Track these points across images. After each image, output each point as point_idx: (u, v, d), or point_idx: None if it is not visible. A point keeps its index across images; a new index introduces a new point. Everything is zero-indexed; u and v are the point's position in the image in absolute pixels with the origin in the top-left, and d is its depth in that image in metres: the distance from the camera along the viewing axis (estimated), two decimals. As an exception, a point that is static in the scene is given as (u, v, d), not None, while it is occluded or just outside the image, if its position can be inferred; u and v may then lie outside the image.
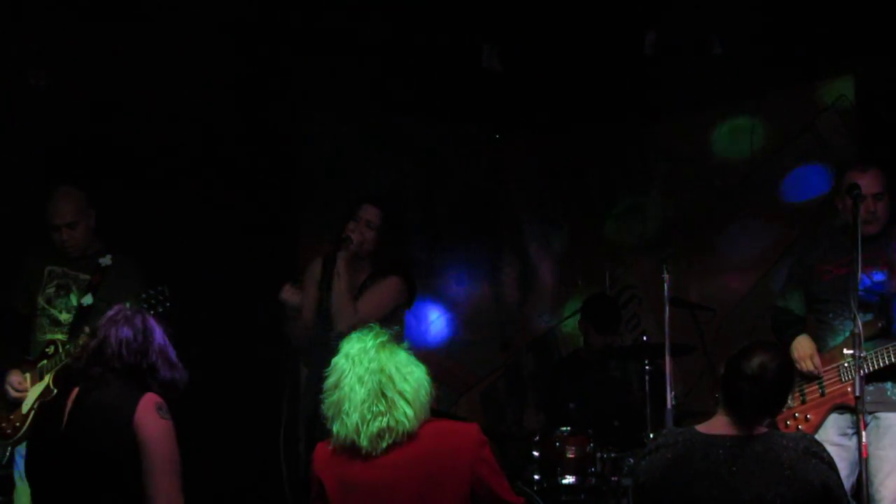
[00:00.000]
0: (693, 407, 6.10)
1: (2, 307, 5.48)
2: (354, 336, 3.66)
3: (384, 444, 3.50)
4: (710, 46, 6.24)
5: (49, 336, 5.30)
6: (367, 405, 3.50)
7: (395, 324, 5.23)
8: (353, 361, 3.57)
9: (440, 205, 7.49)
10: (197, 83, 6.06)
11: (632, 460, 5.73)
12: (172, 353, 3.90)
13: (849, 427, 4.86)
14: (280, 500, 6.18)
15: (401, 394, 3.52)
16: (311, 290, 5.36)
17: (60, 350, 5.15)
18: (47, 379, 5.14)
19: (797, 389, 4.94)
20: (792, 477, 3.49)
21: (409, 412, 3.51)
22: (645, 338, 6.58)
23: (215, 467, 6.05)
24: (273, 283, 6.48)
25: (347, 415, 3.52)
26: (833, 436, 4.86)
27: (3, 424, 5.20)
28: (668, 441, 3.70)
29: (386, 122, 7.30)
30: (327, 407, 3.58)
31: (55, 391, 4.80)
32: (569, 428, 5.91)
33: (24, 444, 4.90)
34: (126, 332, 3.81)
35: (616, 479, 5.81)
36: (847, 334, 4.79)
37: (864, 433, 4.44)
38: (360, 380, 3.53)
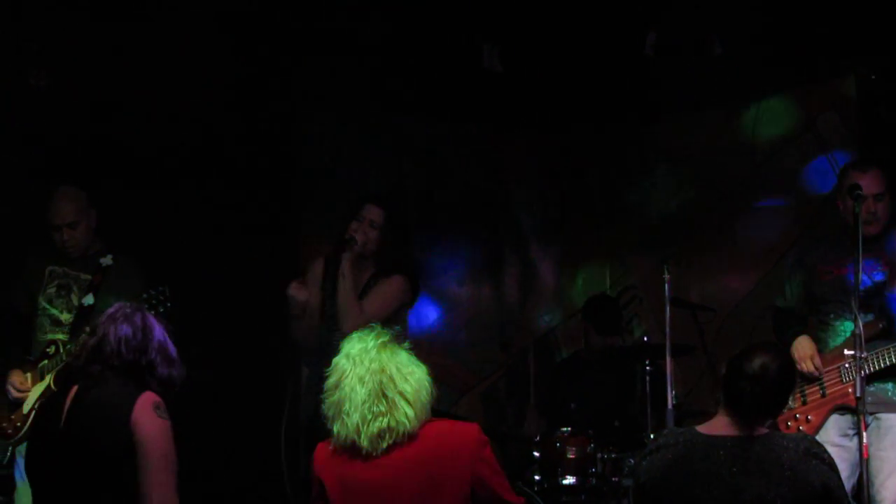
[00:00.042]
0: (694, 407, 6.09)
1: (3, 307, 5.48)
2: (355, 336, 3.66)
3: (384, 445, 3.50)
4: (711, 46, 6.24)
5: (50, 336, 5.30)
6: (367, 405, 3.50)
7: (398, 323, 5.23)
8: (354, 361, 3.57)
9: (440, 205, 7.48)
10: (197, 83, 6.05)
11: (632, 461, 5.72)
12: (172, 350, 3.89)
13: (850, 428, 4.86)
14: (280, 500, 6.19)
15: (401, 394, 3.51)
16: (314, 290, 5.37)
17: (61, 350, 5.15)
18: (48, 379, 5.14)
19: (798, 390, 4.93)
20: (792, 478, 3.50)
21: (410, 413, 3.51)
22: (646, 338, 6.58)
23: (215, 467, 6.05)
24: (273, 283, 6.48)
25: (348, 415, 3.51)
26: (834, 437, 4.86)
27: (4, 424, 5.20)
28: (668, 441, 3.70)
29: (386, 122, 7.29)
30: (328, 407, 3.58)
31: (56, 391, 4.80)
32: (569, 428, 5.90)
33: (25, 445, 4.90)
34: (125, 329, 3.80)
35: (617, 479, 5.80)
36: (848, 335, 4.79)
37: (864, 434, 4.44)
38: (361, 380, 3.53)
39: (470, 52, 6.49)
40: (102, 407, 3.69)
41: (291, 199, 6.88)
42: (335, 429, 3.55)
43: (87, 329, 4.18)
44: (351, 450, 3.53)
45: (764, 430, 3.65)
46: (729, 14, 6.06)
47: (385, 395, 3.51)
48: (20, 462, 5.10)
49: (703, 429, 3.70)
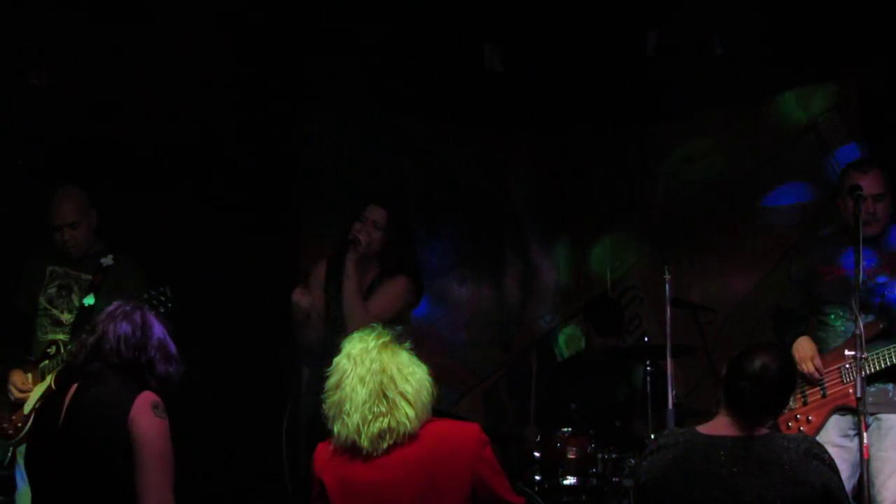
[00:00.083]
0: (694, 408, 6.08)
1: (3, 307, 5.48)
2: (356, 336, 3.66)
3: (385, 445, 3.50)
4: (712, 47, 6.24)
5: (51, 336, 5.30)
6: (368, 406, 3.50)
7: (402, 324, 5.23)
8: (355, 362, 3.56)
9: (440, 205, 7.48)
10: (197, 83, 6.05)
11: (633, 461, 5.72)
12: (172, 348, 3.89)
13: (850, 428, 4.86)
14: (280, 500, 6.18)
15: (402, 395, 3.51)
16: (318, 293, 5.37)
17: (62, 350, 5.14)
18: (49, 379, 5.13)
19: (799, 391, 4.93)
20: (793, 478, 3.50)
21: (411, 413, 3.51)
22: (646, 338, 6.57)
23: (215, 467, 6.05)
24: (273, 283, 6.49)
25: (348, 415, 3.51)
26: (834, 437, 4.86)
27: (5, 425, 5.20)
28: (669, 442, 3.70)
29: (386, 122, 7.29)
30: (328, 407, 3.58)
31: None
32: (570, 428, 5.90)
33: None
34: (125, 327, 3.80)
35: (617, 479, 5.80)
36: (848, 335, 4.78)
37: (865, 434, 4.44)
38: (362, 380, 3.53)
39: (470, 53, 6.49)
40: (101, 405, 3.69)
41: (291, 199, 6.88)
42: (336, 429, 3.54)
43: (87, 328, 4.17)
44: (351, 450, 3.53)
45: (764, 431, 3.65)
46: (730, 14, 6.07)
47: (386, 396, 3.51)
48: (21, 463, 5.09)
49: (703, 429, 3.70)
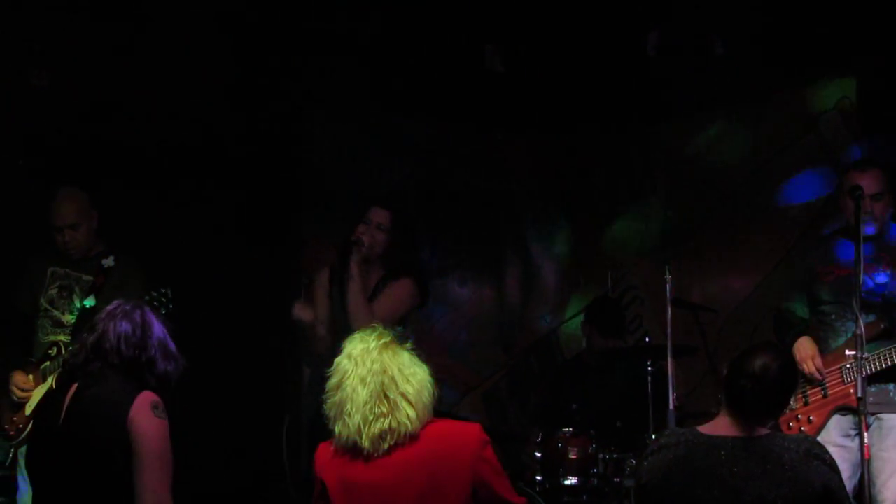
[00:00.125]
0: (695, 408, 6.09)
1: (4, 309, 5.48)
2: (357, 336, 3.66)
3: (386, 446, 3.49)
4: (712, 47, 6.24)
5: (52, 338, 5.29)
6: (369, 406, 3.49)
7: (406, 326, 5.22)
8: (356, 362, 3.56)
9: (441, 205, 7.48)
10: (197, 83, 6.05)
11: (634, 461, 5.72)
12: (172, 346, 3.89)
13: (851, 428, 4.86)
14: (280, 500, 6.18)
15: (403, 395, 3.50)
16: (322, 300, 5.35)
17: (63, 351, 5.14)
18: (50, 380, 5.13)
19: (800, 391, 4.93)
20: (793, 478, 3.49)
21: (412, 414, 3.50)
22: (647, 339, 6.57)
23: (215, 467, 6.05)
24: (273, 283, 6.49)
25: (349, 416, 3.50)
26: (836, 437, 4.86)
27: (7, 426, 5.20)
28: (670, 442, 3.70)
29: (386, 122, 7.28)
30: (329, 407, 3.57)
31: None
32: (571, 429, 5.90)
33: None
34: (125, 326, 3.80)
35: (618, 480, 5.80)
36: (849, 335, 4.78)
37: (866, 434, 4.44)
38: (363, 381, 3.52)
39: (471, 53, 6.49)
40: (101, 404, 3.69)
41: (291, 199, 6.88)
42: (337, 429, 3.54)
43: (88, 327, 4.17)
44: (352, 450, 3.52)
45: (765, 431, 3.65)
46: (730, 14, 6.07)
47: (387, 396, 3.50)
48: (22, 463, 5.09)
49: (704, 429, 3.70)
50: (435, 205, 7.40)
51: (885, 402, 4.84)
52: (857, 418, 4.58)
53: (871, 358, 4.68)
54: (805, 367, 4.92)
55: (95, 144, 6.01)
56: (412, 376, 3.55)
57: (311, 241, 6.95)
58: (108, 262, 5.34)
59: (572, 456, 5.82)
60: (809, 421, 4.93)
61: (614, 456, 5.84)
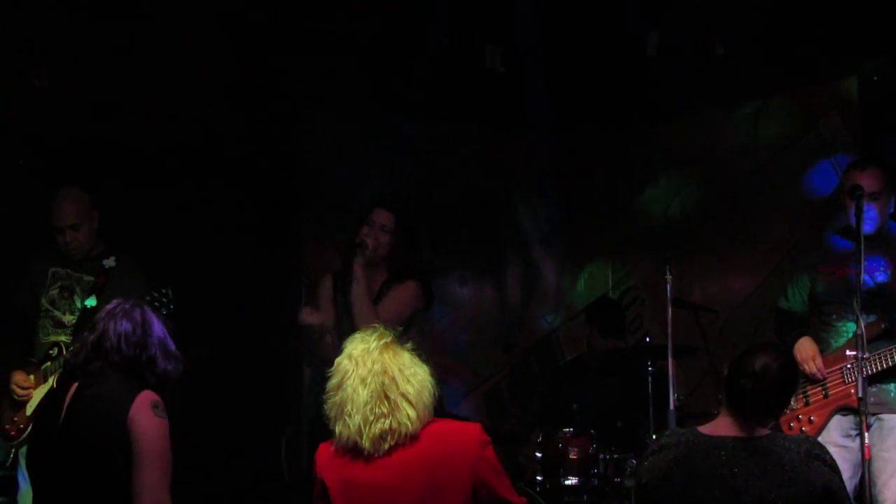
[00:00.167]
0: (696, 408, 6.08)
1: (5, 309, 5.47)
2: (358, 336, 3.65)
3: (386, 446, 3.49)
4: (713, 47, 6.23)
5: (53, 338, 5.29)
6: (369, 407, 3.49)
7: (411, 329, 5.21)
8: (357, 362, 3.55)
9: (441, 205, 7.47)
10: (197, 83, 6.05)
11: (634, 461, 5.72)
12: (171, 345, 3.89)
13: (852, 428, 4.86)
14: (280, 500, 6.18)
15: (404, 395, 3.50)
16: (327, 305, 5.33)
17: (64, 352, 5.13)
18: (51, 381, 5.12)
19: (800, 391, 4.93)
20: (794, 479, 3.49)
21: (412, 414, 3.50)
22: (648, 339, 6.57)
23: (215, 467, 6.05)
24: (274, 283, 6.49)
25: (350, 416, 3.50)
26: (836, 437, 4.86)
27: (7, 426, 5.20)
28: (670, 442, 3.70)
29: (386, 122, 7.28)
30: (330, 407, 3.57)
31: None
32: (571, 429, 5.89)
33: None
34: (125, 325, 3.80)
35: (619, 480, 5.80)
36: (850, 336, 4.78)
37: (866, 435, 4.44)
38: (363, 381, 3.51)
39: (471, 53, 6.48)
40: (101, 403, 3.69)
41: (291, 199, 6.88)
42: (337, 429, 3.53)
43: (88, 326, 4.17)
44: (353, 451, 3.52)
45: (766, 431, 3.65)
46: (730, 14, 6.06)
47: (387, 397, 3.50)
48: (23, 463, 5.09)
49: (705, 429, 3.70)
50: (435, 205, 7.39)
51: (885, 403, 4.84)
52: (857, 418, 4.59)
53: (871, 358, 4.68)
54: (806, 367, 4.93)
55: (95, 144, 6.01)
56: (413, 377, 3.55)
57: (311, 241, 6.95)
58: (109, 262, 5.34)
59: (573, 456, 5.82)
60: (810, 421, 4.94)
61: (615, 456, 5.85)
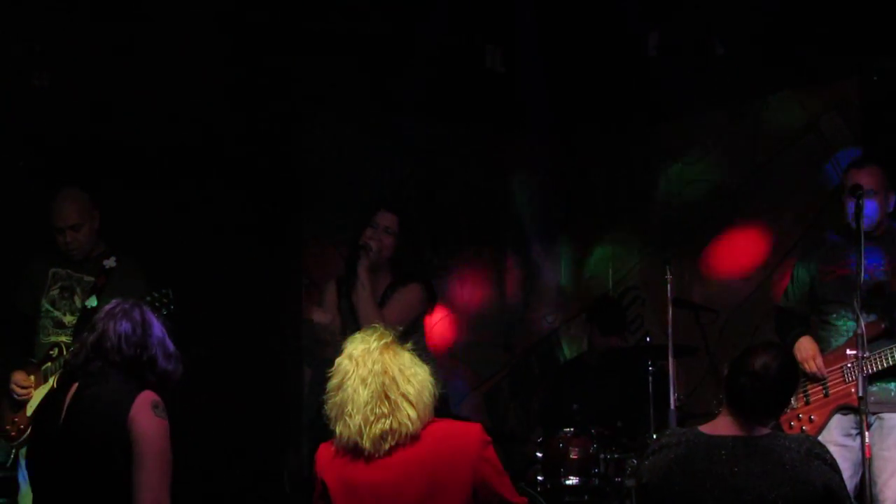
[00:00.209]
0: (696, 408, 6.08)
1: (5, 309, 5.47)
2: (358, 336, 3.65)
3: (387, 446, 3.49)
4: (713, 47, 6.23)
5: (53, 339, 5.28)
6: (370, 407, 3.48)
7: (416, 331, 5.19)
8: (357, 363, 3.55)
9: (441, 205, 7.47)
10: (197, 83, 6.05)
11: (635, 461, 5.72)
12: (171, 346, 3.88)
13: (852, 428, 4.86)
14: (280, 500, 6.18)
15: (404, 396, 3.50)
16: (332, 311, 5.31)
17: (65, 352, 5.13)
18: (52, 381, 5.11)
19: (801, 390, 4.93)
20: (794, 478, 3.49)
21: (413, 414, 3.49)
22: (648, 339, 6.57)
23: (215, 467, 6.05)
24: (273, 283, 6.49)
25: (350, 416, 3.50)
26: (837, 436, 4.87)
27: (8, 427, 5.20)
28: (671, 441, 3.70)
29: (386, 122, 7.28)
30: (330, 408, 3.57)
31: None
32: (572, 429, 5.89)
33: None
34: (125, 325, 3.79)
35: (619, 479, 5.80)
36: (850, 335, 4.78)
37: (867, 434, 4.44)
38: (364, 381, 3.51)
39: (471, 53, 6.48)
40: (101, 403, 3.68)
41: (291, 199, 6.88)
42: (337, 430, 3.53)
43: (88, 327, 4.17)
44: (353, 451, 3.52)
45: (766, 431, 3.65)
46: (730, 14, 6.06)
47: (388, 397, 3.49)
48: (23, 464, 5.08)
49: (705, 429, 3.70)
50: (435, 205, 7.39)
51: (885, 402, 4.85)
52: (858, 417, 4.59)
53: (871, 357, 4.68)
54: (806, 366, 4.93)
55: (95, 144, 6.01)
56: (413, 377, 3.55)
57: (311, 241, 6.95)
58: (110, 262, 5.33)
59: (573, 456, 5.82)
60: (811, 420, 4.94)
61: (615, 456, 5.85)
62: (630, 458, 5.83)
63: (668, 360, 5.26)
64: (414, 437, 3.49)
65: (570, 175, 7.92)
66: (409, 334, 4.76)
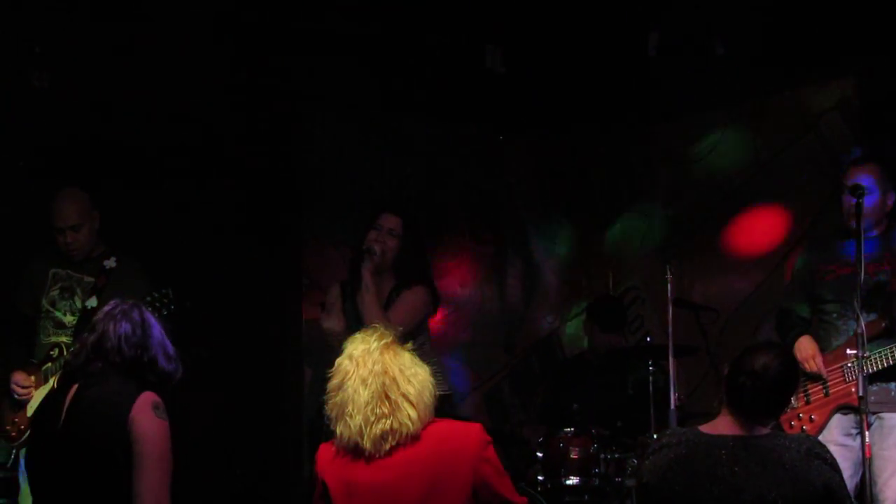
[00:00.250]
0: (696, 408, 6.09)
1: (5, 310, 5.47)
2: (358, 337, 3.65)
3: (387, 446, 3.49)
4: (713, 47, 6.22)
5: (53, 339, 5.28)
6: (370, 407, 3.49)
7: (421, 333, 5.18)
8: (357, 363, 3.55)
9: (441, 205, 7.47)
10: (197, 83, 6.05)
11: (635, 461, 5.72)
12: (170, 347, 3.88)
13: (853, 427, 4.86)
14: (280, 500, 6.18)
15: (405, 396, 3.50)
16: (338, 315, 5.29)
17: (65, 353, 5.13)
18: (52, 381, 5.11)
19: (801, 390, 4.94)
20: (794, 478, 3.49)
21: (413, 414, 3.50)
22: (648, 339, 6.57)
23: (215, 467, 6.05)
24: (274, 283, 6.49)
25: (351, 416, 3.50)
26: (837, 436, 4.87)
27: (8, 427, 5.20)
28: (671, 441, 3.70)
29: (386, 122, 7.28)
30: (330, 408, 3.57)
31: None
32: (572, 428, 5.89)
33: (27, 446, 4.89)
34: (125, 326, 3.79)
35: (619, 479, 5.80)
36: (850, 334, 4.78)
37: (867, 433, 4.44)
38: (364, 382, 3.51)
39: (472, 53, 6.47)
40: (101, 404, 3.69)
41: (292, 199, 6.88)
42: (338, 430, 3.53)
43: (88, 328, 4.17)
44: (354, 451, 3.52)
45: (766, 430, 3.66)
46: (731, 14, 6.05)
47: (388, 397, 3.50)
48: (23, 464, 5.08)
49: (705, 428, 3.70)
50: (435, 205, 7.39)
51: (886, 401, 4.85)
52: (858, 417, 4.60)
53: (872, 357, 4.68)
54: (807, 366, 4.94)
55: (95, 144, 6.01)
56: (413, 377, 3.55)
57: (311, 241, 6.95)
58: (110, 262, 5.33)
59: (574, 456, 5.82)
60: (811, 419, 4.94)
61: (616, 456, 5.84)
62: (630, 458, 5.83)
63: (668, 359, 5.26)
64: (414, 438, 3.50)
65: (569, 175, 7.92)
66: (415, 336, 4.77)
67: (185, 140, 6.20)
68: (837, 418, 4.91)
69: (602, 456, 5.81)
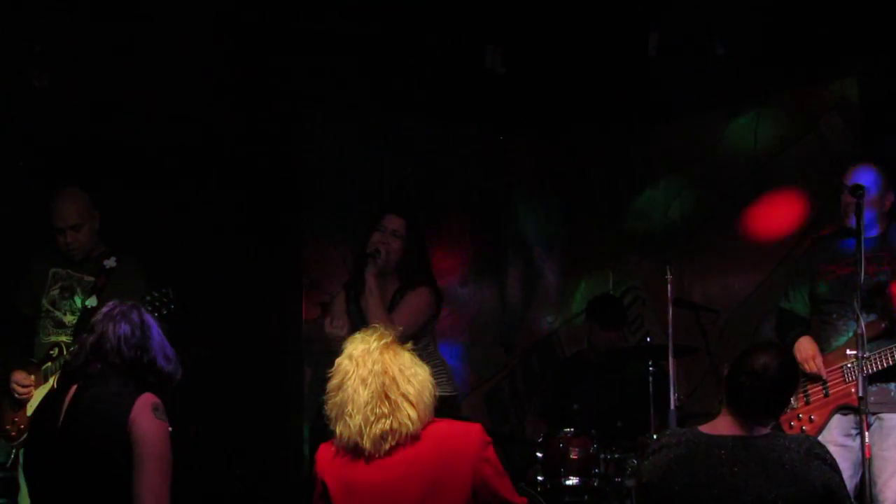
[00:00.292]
0: (696, 408, 6.09)
1: (5, 309, 5.47)
2: (358, 336, 3.65)
3: (387, 446, 3.49)
4: (713, 47, 6.22)
5: (53, 338, 5.28)
6: (370, 407, 3.49)
7: (425, 335, 5.17)
8: (357, 363, 3.55)
9: (441, 205, 7.47)
10: (197, 83, 6.05)
11: (635, 461, 5.72)
12: (169, 348, 3.88)
13: (852, 428, 4.86)
14: (280, 500, 6.18)
15: (404, 396, 3.50)
16: (342, 318, 5.28)
17: (65, 352, 5.13)
18: (52, 381, 5.11)
19: (801, 390, 4.94)
20: (794, 478, 3.49)
21: (413, 414, 3.50)
22: (648, 339, 6.57)
23: (215, 467, 6.05)
24: (274, 283, 6.49)
25: (350, 416, 3.50)
26: (837, 436, 4.87)
27: (8, 427, 5.20)
28: (671, 441, 3.70)
29: (386, 122, 7.28)
30: (330, 408, 3.57)
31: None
32: (572, 429, 5.90)
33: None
34: (124, 327, 3.79)
35: (619, 480, 5.80)
36: (850, 335, 4.78)
37: (867, 434, 4.44)
38: (364, 381, 3.51)
39: (472, 53, 6.47)
40: (101, 405, 3.68)
41: (292, 199, 6.88)
42: (338, 430, 3.53)
43: (87, 329, 4.16)
44: (353, 451, 3.52)
45: (766, 430, 3.65)
46: (730, 15, 6.05)
47: (388, 397, 3.50)
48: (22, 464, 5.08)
49: (705, 429, 3.70)
50: (435, 205, 7.39)
51: (885, 402, 4.85)
52: (858, 418, 4.60)
53: (872, 357, 4.68)
54: (806, 366, 4.94)
55: (95, 144, 6.01)
56: (413, 377, 3.55)
57: (311, 241, 6.95)
58: (110, 262, 5.33)
59: (573, 456, 5.82)
60: (811, 420, 4.94)
61: (615, 456, 5.85)
62: (630, 458, 5.83)
63: (668, 360, 5.26)
64: (414, 438, 3.50)
65: (570, 175, 7.92)
66: (420, 338, 4.77)
67: (185, 140, 6.20)
68: (837, 419, 4.91)
69: (602, 456, 5.82)
